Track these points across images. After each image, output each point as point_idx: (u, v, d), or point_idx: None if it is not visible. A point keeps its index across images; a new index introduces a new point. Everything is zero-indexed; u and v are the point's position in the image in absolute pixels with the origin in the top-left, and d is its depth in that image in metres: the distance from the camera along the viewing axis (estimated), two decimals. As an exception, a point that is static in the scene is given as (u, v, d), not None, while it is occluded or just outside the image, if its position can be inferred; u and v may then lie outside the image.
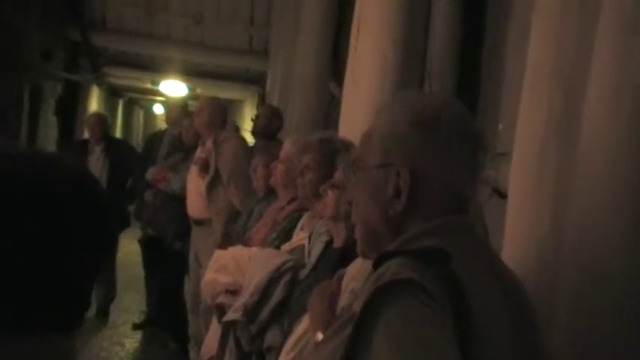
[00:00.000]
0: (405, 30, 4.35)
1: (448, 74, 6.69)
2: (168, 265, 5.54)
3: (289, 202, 3.34)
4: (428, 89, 6.60)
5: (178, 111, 6.26)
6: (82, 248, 0.92)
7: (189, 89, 12.33)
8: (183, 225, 5.17)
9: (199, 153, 4.84)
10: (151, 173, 5.58)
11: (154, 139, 6.53)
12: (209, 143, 4.75)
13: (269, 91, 9.30)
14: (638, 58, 1.62)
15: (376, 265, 1.22)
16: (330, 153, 2.78)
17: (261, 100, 10.20)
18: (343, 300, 1.72)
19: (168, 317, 5.78)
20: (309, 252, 2.71)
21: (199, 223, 4.90)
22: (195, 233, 4.99)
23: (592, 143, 1.75)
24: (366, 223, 1.35)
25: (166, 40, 10.87)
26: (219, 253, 3.14)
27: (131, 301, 7.33)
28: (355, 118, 4.39)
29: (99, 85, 13.52)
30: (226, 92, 12.22)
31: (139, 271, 6.45)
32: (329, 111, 7.28)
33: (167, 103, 6.87)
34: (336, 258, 2.32)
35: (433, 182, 1.28)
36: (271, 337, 2.54)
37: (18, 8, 7.88)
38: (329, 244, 2.55)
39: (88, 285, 0.95)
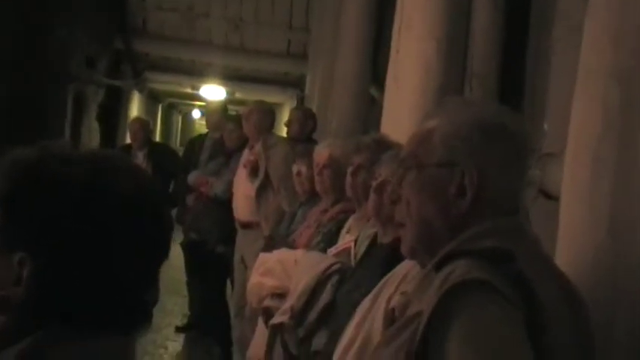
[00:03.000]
0: (448, 31, 4.31)
1: (491, 77, 6.63)
2: (211, 268, 5.57)
3: (333, 205, 3.32)
4: (469, 92, 6.55)
5: (219, 115, 6.30)
6: (146, 248, 0.92)
7: (228, 93, 12.41)
8: (227, 229, 5.19)
9: (248, 156, 4.87)
10: (193, 178, 5.62)
11: (194, 144, 6.57)
12: (258, 147, 4.78)
13: (308, 95, 9.30)
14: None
15: (438, 266, 1.21)
16: (383, 154, 2.76)
17: (300, 104, 10.21)
18: (393, 302, 1.69)
19: (212, 321, 5.80)
20: (356, 255, 2.69)
21: (246, 226, 4.93)
22: (242, 237, 5.02)
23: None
24: (421, 222, 1.33)
25: (206, 45, 10.95)
26: (264, 256, 3.14)
27: (174, 304, 7.38)
28: (397, 121, 4.36)
29: (140, 90, 13.68)
30: (265, 96, 12.21)
31: (181, 274, 6.49)
32: (369, 115, 7.27)
33: (207, 108, 6.92)
34: (384, 254, 2.29)
35: (495, 184, 1.28)
36: (319, 340, 2.52)
37: (64, 18, 8.01)
38: (374, 240, 2.52)
39: (150, 285, 0.95)
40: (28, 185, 0.89)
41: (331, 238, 3.09)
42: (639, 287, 1.60)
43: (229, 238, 5.21)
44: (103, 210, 0.89)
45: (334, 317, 2.47)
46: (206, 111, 6.97)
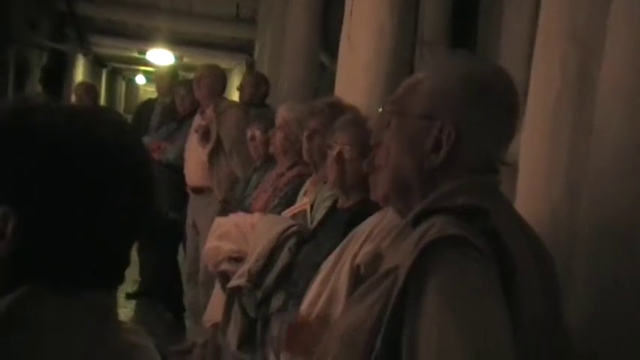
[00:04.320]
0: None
1: (440, 41, 6.67)
2: (162, 234, 5.52)
3: (289, 168, 3.32)
4: (419, 56, 6.58)
5: (169, 80, 6.18)
6: (132, 204, 0.90)
7: (176, 58, 12.22)
8: (179, 195, 5.14)
9: (200, 121, 4.80)
10: (144, 143, 5.53)
11: (144, 109, 6.46)
12: (210, 112, 4.72)
13: (257, 60, 9.22)
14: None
15: (415, 222, 1.22)
16: (338, 117, 2.77)
17: (250, 69, 10.11)
18: (358, 259, 1.70)
19: (164, 287, 5.77)
20: (313, 217, 2.70)
21: (198, 191, 4.89)
22: (194, 202, 4.98)
23: (607, 105, 1.73)
24: (396, 170, 1.33)
25: (153, 9, 10.73)
26: (220, 220, 3.12)
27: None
28: (352, 85, 4.36)
29: (84, 54, 13.36)
30: (213, 61, 12.08)
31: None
32: (319, 80, 7.24)
33: (156, 73, 6.78)
34: (345, 218, 2.31)
35: (472, 143, 1.29)
36: (276, 302, 2.53)
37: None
38: (334, 204, 2.54)
39: (133, 243, 0.94)
40: (7, 136, 0.86)
41: (288, 202, 3.09)
42: (592, 240, 1.65)
43: (181, 204, 5.17)
44: (87, 161, 0.86)
45: (292, 280, 2.49)
46: (155, 76, 6.83)
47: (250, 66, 10.17)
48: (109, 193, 0.88)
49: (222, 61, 12.30)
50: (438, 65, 1.38)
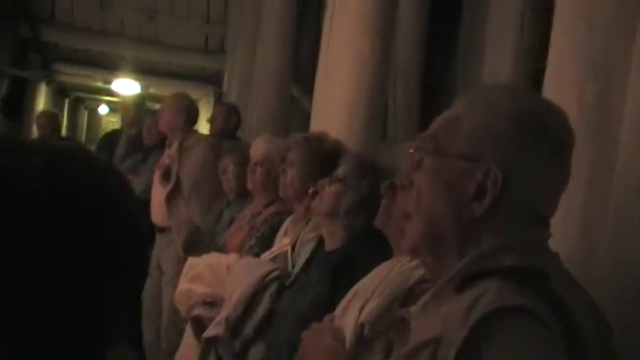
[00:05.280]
0: (382, 22, 4.17)
1: (415, 70, 6.57)
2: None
3: (267, 206, 3.11)
4: (393, 84, 6.47)
5: (135, 110, 5.95)
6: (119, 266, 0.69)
7: (143, 88, 11.96)
8: (146, 231, 4.88)
9: (164, 158, 4.52)
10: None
11: (108, 140, 6.22)
12: (173, 148, 4.42)
13: (226, 91, 9.04)
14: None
15: (461, 287, 1.02)
16: (317, 152, 2.59)
17: (218, 100, 9.92)
18: (363, 316, 1.50)
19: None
20: (294, 260, 2.49)
21: (162, 230, 4.61)
22: (159, 241, 4.70)
23: (632, 142, 1.57)
24: (429, 218, 1.14)
25: (119, 37, 10.49)
26: (192, 261, 2.89)
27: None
28: (328, 116, 4.19)
29: (48, 83, 13.03)
30: (180, 91, 11.90)
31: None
32: (289, 113, 7.09)
33: (122, 103, 6.53)
34: (334, 261, 2.10)
35: (521, 191, 1.09)
36: (257, 353, 2.31)
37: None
38: (319, 245, 2.34)
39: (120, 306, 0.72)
40: None
41: (265, 242, 2.87)
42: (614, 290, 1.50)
43: (149, 241, 4.91)
44: (63, 210, 0.66)
45: (273, 328, 2.26)
46: (121, 106, 6.58)
47: (219, 97, 9.98)
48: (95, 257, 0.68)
49: (190, 92, 12.09)
50: (480, 99, 1.17)
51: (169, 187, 4.35)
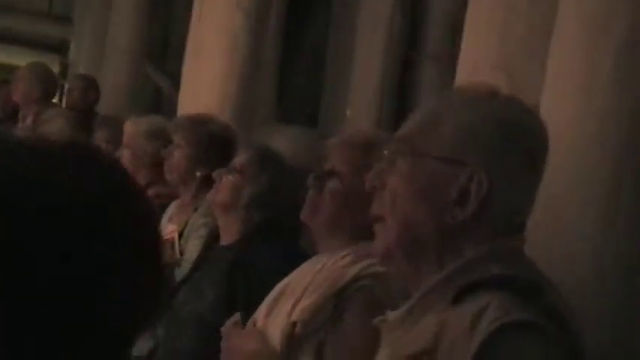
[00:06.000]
0: (259, 3, 4.09)
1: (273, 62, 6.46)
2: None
3: (145, 189, 2.97)
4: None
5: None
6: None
7: (-24, 54, 11.07)
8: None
9: (17, 130, 4.23)
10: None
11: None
12: (29, 121, 4.16)
13: (73, 62, 8.58)
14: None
15: (457, 298, 1.00)
16: (204, 134, 2.51)
17: (64, 71, 9.39)
18: (296, 315, 1.44)
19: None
20: (182, 248, 2.40)
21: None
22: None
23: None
24: (406, 222, 1.10)
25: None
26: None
27: None
28: (199, 96, 4.07)
29: None
30: (20, 60, 11.12)
31: None
32: (142, 90, 6.84)
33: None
34: (230, 259, 2.03)
35: (503, 196, 1.08)
36: (140, 344, 2.20)
37: None
38: (211, 238, 2.26)
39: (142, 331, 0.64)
40: None
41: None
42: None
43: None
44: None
45: (167, 330, 2.14)
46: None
47: (65, 68, 9.45)
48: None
49: (31, 60, 11.38)
50: (462, 102, 1.15)
51: None
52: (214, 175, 2.16)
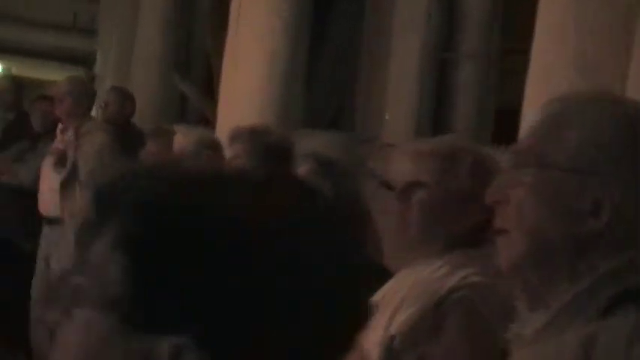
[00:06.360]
0: (296, 10, 4.10)
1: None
2: (12, 268, 4.90)
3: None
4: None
5: (13, 93, 5.55)
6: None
7: (4, 70, 11.17)
8: (33, 223, 4.56)
9: (57, 143, 4.27)
10: (-10, 164, 4.88)
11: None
12: (69, 133, 4.19)
13: (100, 74, 8.62)
14: None
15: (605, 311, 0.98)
16: (264, 145, 2.51)
17: (91, 83, 9.45)
18: (394, 328, 1.42)
19: (14, 327, 5.10)
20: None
21: (53, 222, 4.32)
22: (48, 234, 4.40)
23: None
24: (537, 234, 1.08)
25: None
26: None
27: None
28: (239, 104, 4.08)
29: None
30: (46, 73, 11.23)
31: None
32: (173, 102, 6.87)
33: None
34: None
35: (636, 205, 1.06)
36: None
37: None
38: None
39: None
40: (170, 235, 0.54)
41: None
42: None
43: (37, 234, 4.59)
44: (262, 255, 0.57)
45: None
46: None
47: (91, 80, 9.51)
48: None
49: (56, 74, 11.47)
50: (579, 111, 1.13)
51: (65, 173, 4.11)
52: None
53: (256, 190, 0.60)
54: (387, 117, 4.61)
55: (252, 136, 2.54)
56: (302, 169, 2.20)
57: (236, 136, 2.59)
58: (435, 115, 4.60)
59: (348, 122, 7.51)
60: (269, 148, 2.47)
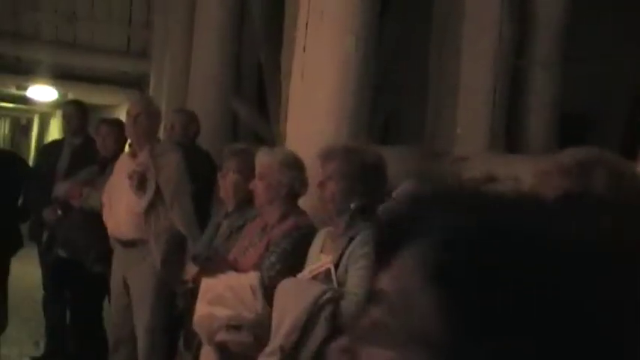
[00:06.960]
0: (366, 24, 4.05)
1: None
2: (84, 291, 4.93)
3: (281, 220, 2.91)
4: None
5: (78, 118, 5.59)
6: None
7: (61, 95, 11.35)
8: (104, 246, 4.55)
9: (132, 166, 4.22)
10: (62, 188, 4.91)
11: (49, 150, 5.80)
12: (143, 156, 4.15)
13: (153, 97, 8.68)
14: None
15: None
16: (359, 165, 2.45)
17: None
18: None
19: (88, 349, 5.12)
20: (340, 279, 2.34)
21: (130, 245, 4.28)
22: (124, 257, 4.35)
23: None
24: None
25: (35, 40, 9.94)
26: (209, 282, 2.69)
27: (18, 330, 6.47)
28: (308, 124, 4.02)
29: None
30: (101, 97, 11.40)
31: (26, 295, 5.70)
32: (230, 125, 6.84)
33: (64, 111, 6.04)
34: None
35: None
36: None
37: None
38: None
39: None
40: (493, 267, 0.48)
41: (287, 259, 2.69)
42: None
43: (107, 257, 4.58)
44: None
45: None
46: (63, 114, 6.12)
47: (147, 102, 9.62)
48: None
49: (112, 97, 11.64)
50: None
51: (149, 195, 4.06)
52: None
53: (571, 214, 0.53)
54: (458, 131, 4.54)
55: (347, 154, 2.47)
56: (400, 189, 2.13)
57: (329, 155, 2.52)
58: (508, 127, 4.50)
59: (399, 134, 7.43)
60: (363, 168, 2.41)
